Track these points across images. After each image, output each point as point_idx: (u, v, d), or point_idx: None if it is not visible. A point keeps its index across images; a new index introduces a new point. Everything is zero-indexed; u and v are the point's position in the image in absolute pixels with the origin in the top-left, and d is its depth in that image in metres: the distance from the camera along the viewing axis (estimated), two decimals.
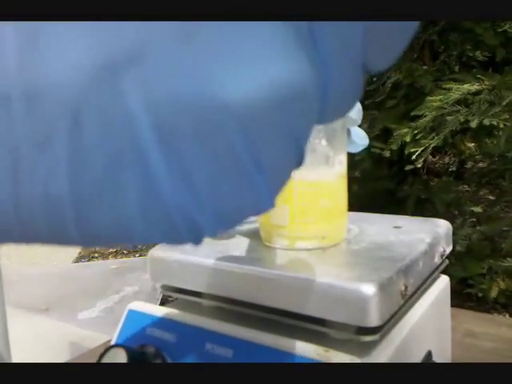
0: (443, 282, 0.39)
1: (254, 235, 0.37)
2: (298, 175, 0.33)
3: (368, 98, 1.95)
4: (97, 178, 0.14)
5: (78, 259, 3.58)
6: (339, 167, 0.34)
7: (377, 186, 2.08)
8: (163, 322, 0.33)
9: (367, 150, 1.97)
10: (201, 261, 0.33)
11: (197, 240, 0.15)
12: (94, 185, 0.14)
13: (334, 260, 0.32)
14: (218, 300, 0.33)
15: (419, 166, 1.70)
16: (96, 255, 3.67)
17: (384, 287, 0.28)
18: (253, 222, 0.39)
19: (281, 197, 0.32)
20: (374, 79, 2.03)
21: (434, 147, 1.65)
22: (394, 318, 0.30)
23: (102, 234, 0.15)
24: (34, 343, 0.99)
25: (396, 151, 1.80)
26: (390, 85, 1.89)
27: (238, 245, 0.36)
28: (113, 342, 0.34)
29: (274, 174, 0.15)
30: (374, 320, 0.27)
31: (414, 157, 1.52)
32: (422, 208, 2.04)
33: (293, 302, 0.30)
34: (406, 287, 0.30)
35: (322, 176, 0.33)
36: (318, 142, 0.33)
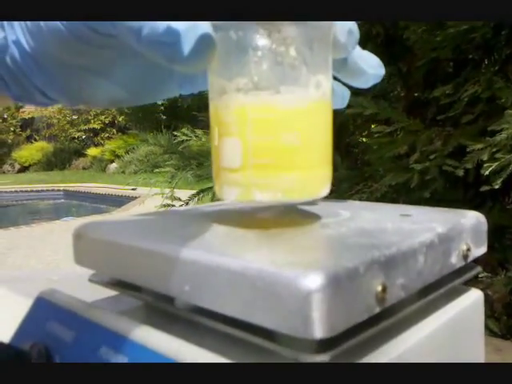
0: (470, 297, 0.28)
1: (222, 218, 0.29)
2: (254, 97, 0.23)
3: (441, 113, 1.79)
4: None
5: None
6: (315, 91, 0.24)
7: None
8: (68, 317, 0.26)
9: (439, 168, 1.81)
10: (123, 241, 0.25)
11: None
12: None
13: (288, 242, 0.23)
14: (132, 289, 0.25)
15: (497, 187, 1.51)
16: None
17: (340, 281, 0.18)
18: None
19: (230, 128, 0.23)
20: (452, 92, 1.88)
21: None
22: (363, 334, 0.20)
23: None
24: None
25: (472, 171, 1.63)
26: (466, 99, 1.73)
27: (185, 226, 0.28)
28: (11, 334, 0.27)
29: None
30: (317, 329, 0.18)
31: (487, 172, 1.35)
32: (502, 236, 1.84)
33: (208, 294, 0.21)
34: (384, 288, 0.20)
35: (287, 100, 0.23)
36: (283, 49, 0.23)
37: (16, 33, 0.25)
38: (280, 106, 0.23)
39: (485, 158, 1.53)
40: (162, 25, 0.20)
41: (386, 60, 2.12)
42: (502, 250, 1.79)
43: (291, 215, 0.28)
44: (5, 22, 0.25)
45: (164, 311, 0.25)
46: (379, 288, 0.20)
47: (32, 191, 7.98)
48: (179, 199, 2.53)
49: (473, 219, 0.28)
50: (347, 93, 0.29)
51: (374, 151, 1.98)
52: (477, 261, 0.29)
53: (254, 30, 0.23)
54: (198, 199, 2.52)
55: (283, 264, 0.19)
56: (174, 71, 0.29)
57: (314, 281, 0.18)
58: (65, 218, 5.47)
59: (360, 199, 2.02)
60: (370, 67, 0.27)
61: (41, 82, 0.26)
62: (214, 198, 2.50)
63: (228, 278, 0.20)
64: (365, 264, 0.19)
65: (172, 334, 0.23)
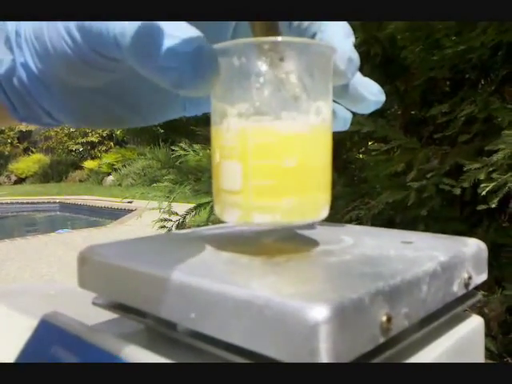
0: (471, 324, 0.29)
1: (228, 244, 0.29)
2: (255, 122, 0.24)
3: (438, 132, 1.81)
4: None
5: None
6: (315, 117, 0.25)
7: (446, 228, 1.91)
8: (72, 341, 0.26)
9: (436, 187, 1.82)
10: (128, 266, 0.26)
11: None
12: None
13: (293, 271, 0.23)
14: (136, 314, 0.25)
15: (493, 206, 1.52)
16: None
17: (346, 313, 0.19)
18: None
19: (231, 152, 0.24)
20: (449, 111, 1.90)
21: None
22: (366, 365, 0.20)
23: None
24: None
25: (469, 190, 1.64)
26: (463, 118, 1.75)
27: (191, 253, 0.28)
28: (14, 356, 0.27)
29: None
30: (324, 360, 0.18)
31: (483, 192, 1.36)
32: (498, 254, 1.84)
33: (214, 322, 0.21)
34: (389, 318, 0.20)
35: (287, 125, 0.24)
36: (284, 76, 0.24)
37: (24, 55, 0.25)
38: (280, 132, 0.24)
39: (481, 177, 1.54)
40: (166, 50, 0.21)
41: (384, 79, 2.15)
42: (499, 268, 1.79)
43: (295, 241, 0.29)
44: (14, 45, 0.26)
45: (167, 336, 0.25)
46: (384, 318, 0.20)
47: (28, 203, 7.96)
48: (176, 214, 2.54)
49: (474, 247, 0.28)
50: (349, 115, 0.30)
51: (371, 168, 2.00)
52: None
53: (256, 56, 0.24)
54: (196, 213, 2.53)
55: (290, 294, 0.19)
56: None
57: (320, 312, 0.18)
58: (60, 231, 5.46)
59: (357, 216, 2.03)
60: (371, 94, 0.28)
61: (47, 104, 0.27)
62: (211, 213, 2.51)
63: (234, 306, 0.20)
64: (370, 295, 0.20)
65: (174, 359, 0.23)
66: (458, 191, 1.62)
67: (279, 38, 0.24)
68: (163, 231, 2.45)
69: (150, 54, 0.21)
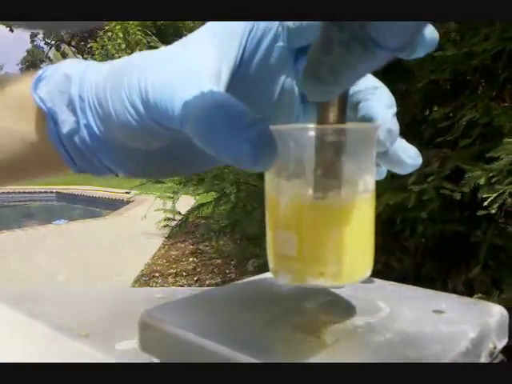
0: None
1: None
2: (308, 197, 0.27)
3: (439, 136, 1.84)
4: None
5: (140, 277, 3.66)
6: (363, 190, 0.27)
7: (445, 229, 1.94)
8: None
9: (436, 190, 1.84)
10: (191, 337, 0.28)
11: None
12: None
13: (341, 353, 0.26)
14: None
15: (493, 211, 1.56)
16: (157, 274, 3.73)
17: None
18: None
19: (285, 222, 0.26)
20: (450, 115, 1.93)
21: None
22: None
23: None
24: None
25: (468, 194, 1.67)
26: (464, 123, 1.78)
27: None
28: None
29: None
30: None
31: (486, 203, 1.40)
32: (496, 256, 1.89)
33: None
34: None
35: (338, 199, 0.27)
36: (335, 155, 0.26)
37: (87, 118, 0.28)
38: (331, 204, 0.27)
39: (482, 182, 1.57)
40: (227, 134, 0.22)
41: (385, 79, 2.16)
42: (497, 269, 1.83)
43: (335, 309, 0.32)
44: (77, 109, 0.28)
45: None
46: None
47: (24, 193, 7.93)
48: (179, 213, 2.57)
49: (498, 316, 0.31)
50: (385, 170, 0.32)
51: None
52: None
53: (309, 140, 0.26)
54: (198, 212, 2.57)
55: None
56: None
57: None
58: (57, 221, 5.46)
59: None
60: (409, 158, 0.30)
61: (107, 161, 0.29)
62: (214, 210, 2.53)
63: None
64: None
65: None
66: (458, 196, 1.66)
67: (331, 126, 0.26)
68: (167, 229, 2.49)
69: (213, 138, 0.22)
